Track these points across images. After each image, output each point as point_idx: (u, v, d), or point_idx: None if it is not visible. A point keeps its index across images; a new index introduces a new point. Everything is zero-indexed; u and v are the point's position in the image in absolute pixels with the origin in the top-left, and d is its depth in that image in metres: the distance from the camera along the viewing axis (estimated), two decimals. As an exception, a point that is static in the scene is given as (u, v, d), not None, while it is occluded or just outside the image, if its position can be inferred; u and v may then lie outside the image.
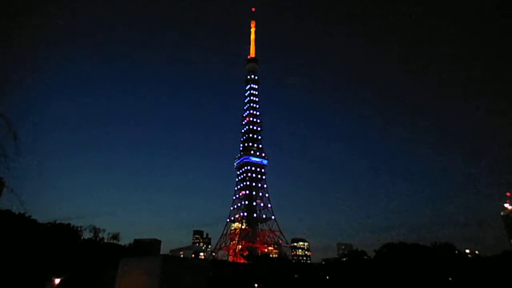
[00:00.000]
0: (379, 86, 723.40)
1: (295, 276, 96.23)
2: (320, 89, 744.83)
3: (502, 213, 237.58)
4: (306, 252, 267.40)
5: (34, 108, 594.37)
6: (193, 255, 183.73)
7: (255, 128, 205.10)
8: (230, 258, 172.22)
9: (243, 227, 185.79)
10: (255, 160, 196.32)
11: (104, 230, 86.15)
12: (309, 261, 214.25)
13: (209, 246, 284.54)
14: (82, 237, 77.48)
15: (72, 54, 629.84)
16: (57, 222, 70.32)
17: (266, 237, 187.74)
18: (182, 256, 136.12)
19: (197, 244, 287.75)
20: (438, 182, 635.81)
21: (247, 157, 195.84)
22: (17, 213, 58.04)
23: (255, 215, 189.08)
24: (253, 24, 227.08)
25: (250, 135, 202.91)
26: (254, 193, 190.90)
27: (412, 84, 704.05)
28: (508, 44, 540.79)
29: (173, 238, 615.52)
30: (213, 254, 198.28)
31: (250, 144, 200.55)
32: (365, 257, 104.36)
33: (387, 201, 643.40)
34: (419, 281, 78.69)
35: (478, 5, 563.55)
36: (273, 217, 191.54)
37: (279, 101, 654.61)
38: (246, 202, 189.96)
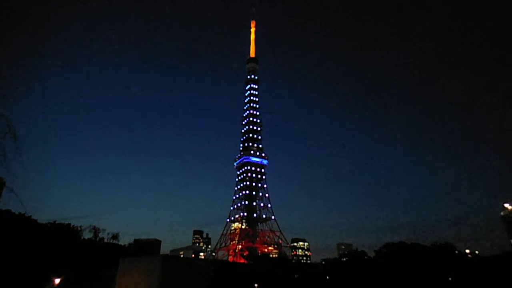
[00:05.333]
0: (379, 86, 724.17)
1: (295, 276, 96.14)
2: (320, 89, 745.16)
3: (502, 213, 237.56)
4: (306, 252, 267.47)
5: (35, 108, 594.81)
6: (193, 255, 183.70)
7: (255, 128, 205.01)
8: (230, 258, 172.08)
9: (243, 227, 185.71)
10: (255, 160, 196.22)
11: (104, 230, 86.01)
12: (309, 261, 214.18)
13: (209, 246, 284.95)
14: (82, 237, 77.30)
15: (73, 56, 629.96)
16: (57, 222, 70.21)
17: (266, 237, 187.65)
18: (182, 256, 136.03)
19: (197, 244, 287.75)
20: (438, 182, 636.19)
21: (247, 157, 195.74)
22: (17, 213, 58.02)
23: (255, 215, 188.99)
24: (253, 24, 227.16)
25: (250, 135, 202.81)
26: (254, 193, 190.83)
27: (411, 84, 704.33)
28: (509, 42, 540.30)
29: (173, 238, 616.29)
30: (213, 254, 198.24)
31: (250, 144, 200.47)
32: (365, 257, 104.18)
33: (387, 201, 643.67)
34: (419, 281, 78.59)
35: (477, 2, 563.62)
36: (273, 217, 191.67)
37: (279, 101, 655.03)
38: (246, 202, 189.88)
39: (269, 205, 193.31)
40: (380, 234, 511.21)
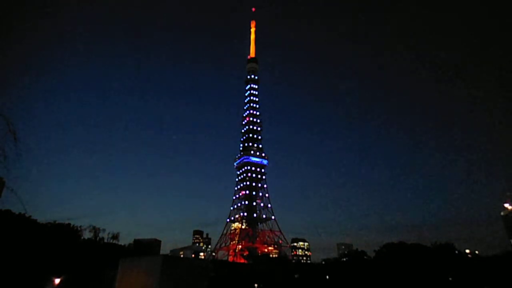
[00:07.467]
0: (379, 85, 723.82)
1: (295, 276, 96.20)
2: (320, 89, 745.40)
3: (502, 213, 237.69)
4: (306, 252, 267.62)
5: (34, 108, 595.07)
6: (193, 255, 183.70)
7: (255, 128, 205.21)
8: (230, 258, 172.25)
9: (243, 227, 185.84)
10: (255, 160, 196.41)
11: (104, 230, 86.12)
12: (309, 261, 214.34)
13: (209, 246, 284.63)
14: (82, 237, 77.40)
15: (74, 56, 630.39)
16: (57, 222, 70.29)
17: (266, 237, 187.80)
18: (182, 256, 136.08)
19: (197, 244, 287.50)
20: (438, 182, 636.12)
21: (247, 157, 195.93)
22: (17, 213, 58.03)
23: (255, 215, 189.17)
24: (253, 24, 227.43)
25: (250, 135, 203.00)
26: (254, 193, 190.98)
27: (412, 83, 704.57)
28: (508, 41, 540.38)
29: (173, 238, 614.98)
30: (213, 254, 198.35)
31: (250, 144, 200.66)
32: (365, 257, 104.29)
33: (387, 201, 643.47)
34: (419, 281, 78.63)
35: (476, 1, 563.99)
36: (273, 217, 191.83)
37: (279, 101, 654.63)
38: (246, 202, 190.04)
39: (269, 205, 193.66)
40: (380, 234, 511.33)
